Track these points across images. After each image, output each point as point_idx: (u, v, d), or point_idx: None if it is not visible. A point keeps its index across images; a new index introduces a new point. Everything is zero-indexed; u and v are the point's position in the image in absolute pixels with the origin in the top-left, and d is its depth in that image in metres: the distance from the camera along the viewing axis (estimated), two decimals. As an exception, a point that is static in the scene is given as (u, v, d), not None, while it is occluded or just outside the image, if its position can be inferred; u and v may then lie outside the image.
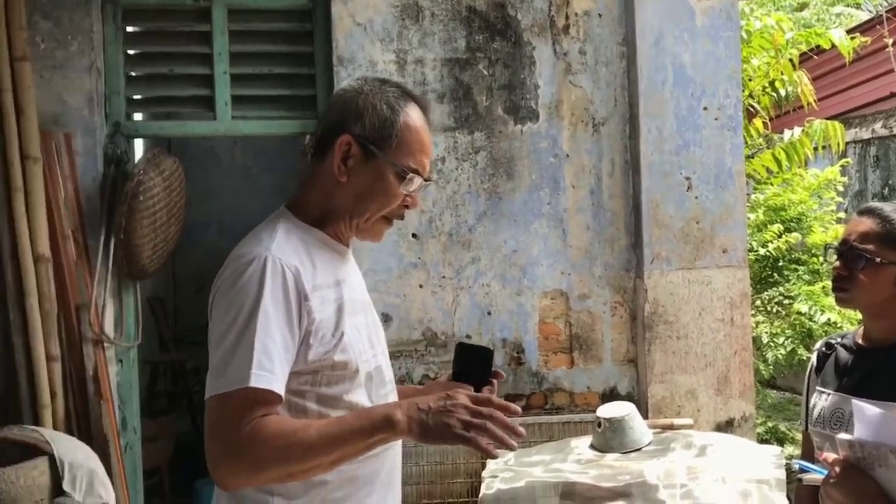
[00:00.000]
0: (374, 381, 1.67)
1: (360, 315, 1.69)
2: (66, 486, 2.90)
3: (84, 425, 3.46)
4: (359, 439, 1.47)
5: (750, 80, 5.42)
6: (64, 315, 3.50)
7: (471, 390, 1.58)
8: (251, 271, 1.52)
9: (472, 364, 1.66)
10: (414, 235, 3.84)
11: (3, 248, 3.42)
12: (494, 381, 1.66)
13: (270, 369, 1.48)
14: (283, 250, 1.57)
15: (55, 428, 3.32)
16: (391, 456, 1.69)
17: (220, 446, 1.46)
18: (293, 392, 1.55)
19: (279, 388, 1.50)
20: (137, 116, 4.12)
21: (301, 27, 3.89)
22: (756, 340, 4.98)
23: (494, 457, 1.47)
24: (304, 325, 1.54)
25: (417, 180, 1.65)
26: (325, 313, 1.57)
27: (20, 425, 3.13)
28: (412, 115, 1.65)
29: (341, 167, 1.63)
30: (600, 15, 3.91)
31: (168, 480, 4.82)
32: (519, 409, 1.51)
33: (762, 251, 5.19)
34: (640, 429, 3.15)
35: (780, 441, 5.40)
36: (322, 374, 1.57)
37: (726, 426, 3.84)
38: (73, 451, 3.01)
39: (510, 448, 1.45)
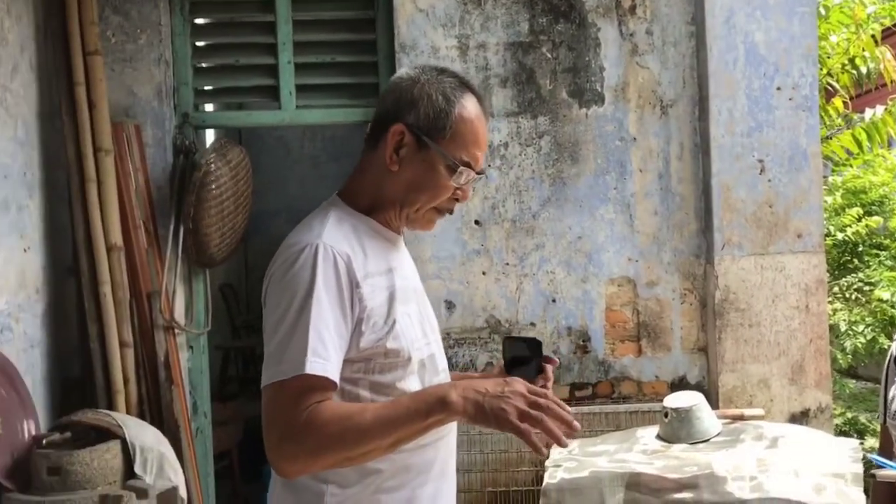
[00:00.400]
0: (427, 369, 1.65)
1: (413, 303, 1.67)
2: (137, 469, 2.98)
3: (156, 410, 3.55)
4: (414, 421, 1.47)
5: (828, 57, 5.21)
6: (136, 302, 3.59)
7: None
8: (303, 259, 1.53)
9: (523, 356, 1.63)
10: (477, 222, 3.81)
11: (78, 238, 3.52)
12: (548, 366, 1.62)
13: (325, 356, 1.48)
14: (335, 238, 1.56)
15: (128, 413, 3.41)
16: (445, 446, 1.67)
17: (277, 433, 1.47)
18: (346, 380, 1.55)
19: (334, 374, 1.50)
20: (208, 107, 4.19)
21: (363, 14, 3.89)
22: (833, 328, 4.80)
23: (542, 454, 1.45)
24: (357, 313, 1.54)
25: (469, 173, 1.63)
26: (376, 301, 1.57)
27: (94, 409, 3.23)
28: (468, 106, 1.63)
29: (393, 156, 1.61)
30: (668, -6, 3.81)
31: (238, 463, 4.92)
32: (570, 409, 1.49)
33: (840, 236, 4.99)
34: (709, 419, 3.06)
35: (861, 433, 5.19)
36: (375, 361, 1.57)
37: (801, 417, 3.71)
38: (144, 435, 3.09)
39: (561, 445, 1.43)
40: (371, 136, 1.67)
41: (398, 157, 1.61)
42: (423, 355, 1.65)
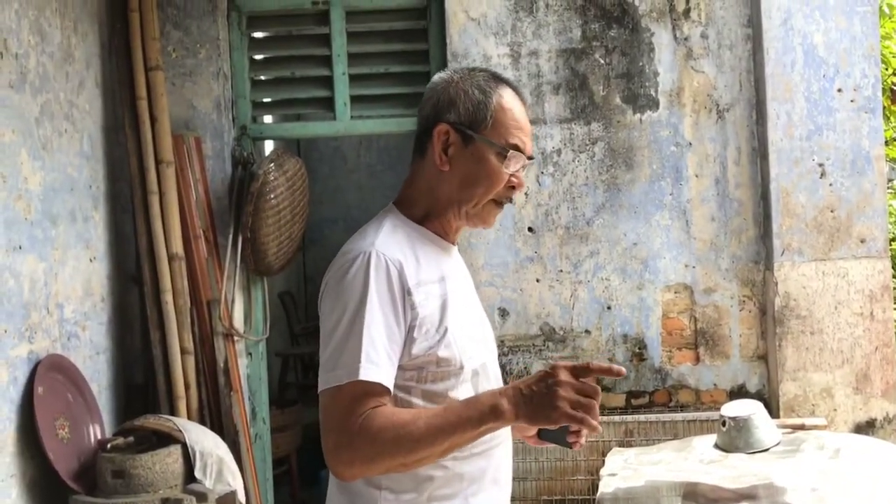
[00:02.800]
0: (480, 378, 1.65)
1: (466, 312, 1.68)
2: (197, 474, 3.05)
3: (216, 415, 3.63)
4: (467, 430, 1.48)
5: (893, 57, 5.07)
6: (196, 310, 3.68)
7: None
8: (356, 267, 1.55)
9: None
10: (530, 229, 3.80)
11: (141, 248, 3.62)
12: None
13: (378, 362, 1.50)
14: (387, 245, 1.58)
15: (189, 418, 3.49)
16: (498, 455, 1.67)
17: (333, 439, 1.49)
18: (399, 388, 1.56)
19: (388, 380, 1.52)
20: (266, 119, 4.28)
21: (416, 25, 3.93)
22: (901, 336, 4.64)
23: (600, 431, 1.44)
24: (409, 319, 1.55)
25: (519, 157, 1.64)
26: (428, 308, 1.58)
27: (157, 414, 3.31)
28: (504, 95, 1.65)
29: (442, 156, 1.63)
30: (723, -4, 3.75)
31: (296, 468, 4.98)
32: (623, 370, 1.48)
33: (907, 241, 4.84)
34: (768, 428, 3.01)
35: (932, 444, 5.01)
36: (427, 370, 1.58)
37: (867, 427, 3.61)
38: (204, 440, 3.16)
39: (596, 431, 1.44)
40: (417, 145, 1.69)
41: (447, 156, 1.63)
42: (476, 364, 1.64)
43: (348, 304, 1.53)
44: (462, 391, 1.60)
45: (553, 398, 1.43)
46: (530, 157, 1.67)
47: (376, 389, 1.50)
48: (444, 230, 1.69)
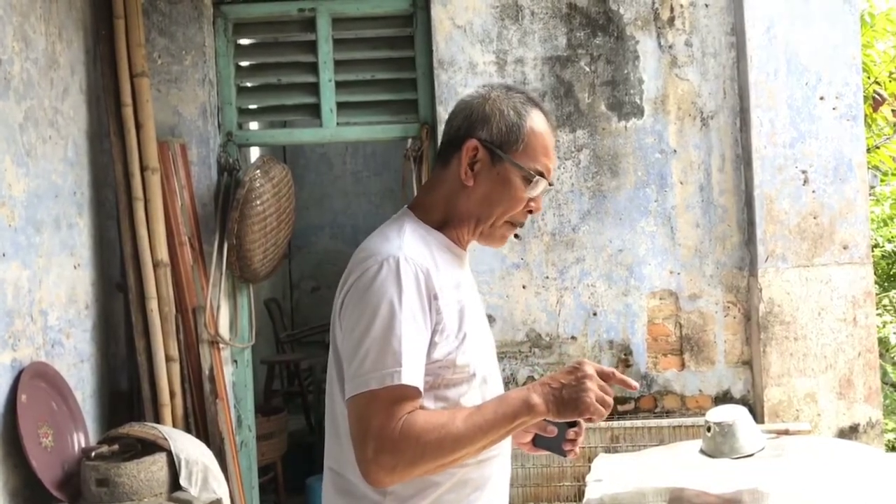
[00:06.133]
0: (489, 385, 1.67)
1: (476, 319, 1.69)
2: (182, 482, 3.04)
3: (201, 423, 3.62)
4: (502, 426, 1.52)
5: (875, 65, 5.13)
6: (181, 317, 3.67)
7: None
8: (386, 271, 1.55)
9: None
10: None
11: (126, 255, 3.61)
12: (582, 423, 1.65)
13: (413, 366, 1.51)
14: (413, 250, 1.59)
15: (174, 426, 3.48)
16: (501, 463, 1.69)
17: (373, 446, 1.49)
18: None
19: (422, 384, 1.53)
20: (252, 125, 4.27)
21: (402, 32, 3.94)
22: (883, 342, 4.69)
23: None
24: (432, 324, 1.57)
25: (543, 184, 1.66)
26: (450, 314, 1.59)
27: (141, 422, 3.30)
28: (537, 120, 1.67)
29: (468, 171, 1.65)
30: (707, 5, 3.78)
31: (282, 476, 4.96)
32: (637, 385, 1.60)
33: (889, 247, 4.89)
34: (753, 434, 3.02)
35: (914, 448, 5.06)
36: (442, 375, 1.59)
37: (850, 432, 3.64)
38: (189, 448, 3.14)
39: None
40: (441, 154, 1.71)
41: (473, 172, 1.65)
42: (485, 371, 1.66)
43: (380, 308, 1.53)
44: (471, 398, 1.62)
45: (582, 391, 1.52)
46: (551, 184, 1.70)
47: (413, 394, 1.51)
48: (457, 238, 1.70)
